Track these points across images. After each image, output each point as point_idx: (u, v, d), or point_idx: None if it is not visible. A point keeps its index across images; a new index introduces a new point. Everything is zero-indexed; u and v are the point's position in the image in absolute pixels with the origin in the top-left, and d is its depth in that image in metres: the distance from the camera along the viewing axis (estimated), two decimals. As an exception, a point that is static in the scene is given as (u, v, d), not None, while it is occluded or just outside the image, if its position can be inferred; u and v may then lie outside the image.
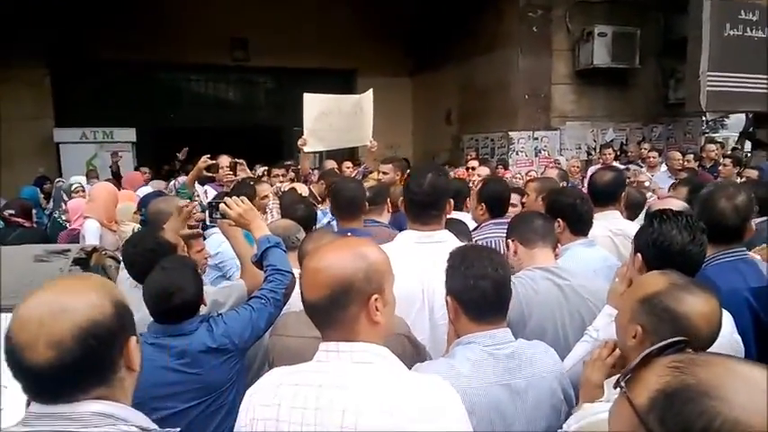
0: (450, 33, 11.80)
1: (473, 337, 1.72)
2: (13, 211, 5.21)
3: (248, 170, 5.47)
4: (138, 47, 11.21)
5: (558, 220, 2.69)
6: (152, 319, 2.14)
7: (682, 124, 11.13)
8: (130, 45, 11.13)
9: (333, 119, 5.31)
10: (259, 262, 2.31)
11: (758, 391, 0.71)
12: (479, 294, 1.70)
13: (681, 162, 7.72)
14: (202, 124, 12.71)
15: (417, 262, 2.18)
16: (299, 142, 5.40)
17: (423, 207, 2.26)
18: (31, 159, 11.10)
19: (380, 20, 12.27)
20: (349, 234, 3.01)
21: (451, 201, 2.29)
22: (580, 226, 2.76)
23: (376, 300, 1.30)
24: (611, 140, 10.47)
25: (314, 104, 5.34)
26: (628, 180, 7.06)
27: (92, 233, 4.65)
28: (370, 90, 5.50)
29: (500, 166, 8.92)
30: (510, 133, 10.48)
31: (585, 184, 4.92)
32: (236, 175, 4.91)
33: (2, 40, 10.41)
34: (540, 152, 10.61)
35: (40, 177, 9.34)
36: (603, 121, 10.88)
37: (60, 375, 1.08)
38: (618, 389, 0.83)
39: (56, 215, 5.62)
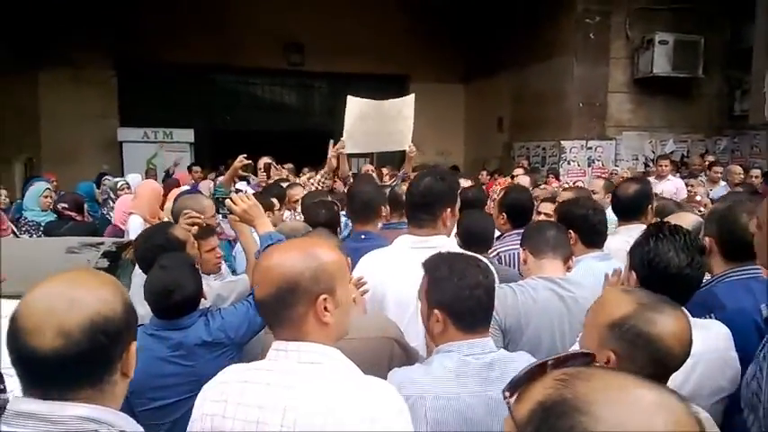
0: (505, 40, 11.69)
1: (452, 345, 1.68)
2: (66, 205, 5.43)
3: (282, 171, 5.52)
4: (199, 50, 11.64)
5: (570, 231, 2.59)
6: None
7: (748, 137, 10.55)
8: (192, 48, 11.56)
9: (370, 122, 5.25)
10: (262, 258, 2.34)
11: (634, 409, 0.67)
12: (475, 303, 1.65)
13: (741, 176, 7.36)
14: (257, 127, 12.95)
15: (412, 267, 2.15)
16: (338, 146, 5.41)
17: (416, 210, 2.24)
18: (96, 156, 11.68)
19: (435, 26, 12.30)
20: (362, 237, 3.03)
21: (448, 209, 2.23)
22: (593, 238, 2.66)
23: (325, 300, 1.29)
24: (672, 152, 10.06)
25: (355, 107, 5.32)
26: (688, 189, 6.83)
27: (135, 229, 4.83)
28: (413, 95, 5.43)
29: (551, 176, 8.74)
30: (562, 142, 10.26)
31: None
32: (269, 177, 4.97)
33: (71, 42, 11.05)
34: (594, 162, 10.33)
35: (102, 174, 9.74)
36: (663, 132, 10.51)
37: (63, 365, 1.05)
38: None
39: (104, 211, 5.86)
